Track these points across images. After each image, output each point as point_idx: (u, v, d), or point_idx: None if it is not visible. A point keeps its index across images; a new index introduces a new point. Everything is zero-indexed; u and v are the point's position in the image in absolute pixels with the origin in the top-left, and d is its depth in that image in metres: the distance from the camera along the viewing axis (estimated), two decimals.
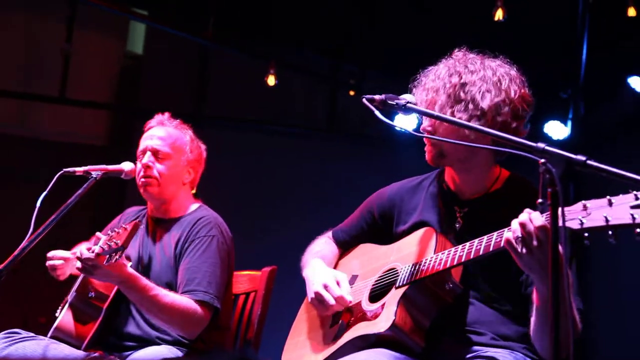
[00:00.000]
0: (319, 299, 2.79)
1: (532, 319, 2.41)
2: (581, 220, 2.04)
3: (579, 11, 5.97)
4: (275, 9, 6.87)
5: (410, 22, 6.45)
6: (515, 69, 2.67)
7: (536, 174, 2.00)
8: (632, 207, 1.96)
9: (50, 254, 3.39)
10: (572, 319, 2.28)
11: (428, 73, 2.71)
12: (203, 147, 3.59)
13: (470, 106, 2.56)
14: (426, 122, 2.67)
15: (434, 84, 2.64)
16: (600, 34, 5.97)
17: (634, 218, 1.95)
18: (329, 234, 3.14)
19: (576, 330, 2.37)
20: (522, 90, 2.63)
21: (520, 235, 2.21)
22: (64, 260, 3.36)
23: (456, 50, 2.74)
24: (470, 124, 2.48)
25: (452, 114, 2.56)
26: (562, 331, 1.97)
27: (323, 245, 3.09)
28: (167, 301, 3.13)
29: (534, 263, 2.22)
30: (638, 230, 1.94)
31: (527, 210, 2.22)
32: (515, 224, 2.23)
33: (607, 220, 1.99)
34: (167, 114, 3.56)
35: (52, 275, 3.38)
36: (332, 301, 2.75)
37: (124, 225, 3.02)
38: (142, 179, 3.39)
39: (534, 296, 2.37)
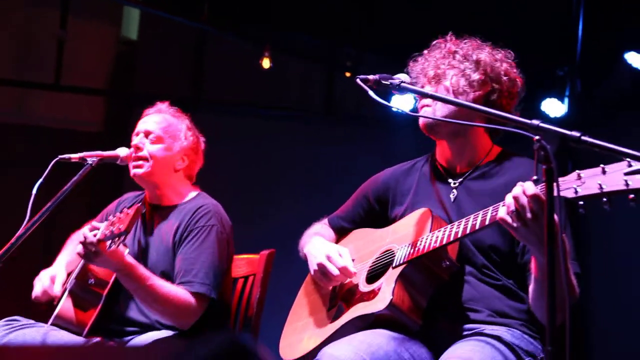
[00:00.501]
0: (322, 271, 2.79)
1: (531, 288, 2.45)
2: (576, 189, 2.06)
3: None
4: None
5: (408, 6, 6.41)
6: (502, 52, 2.77)
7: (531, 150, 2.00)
8: (626, 173, 1.98)
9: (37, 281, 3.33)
10: (570, 285, 2.31)
11: (422, 56, 2.80)
12: (202, 138, 3.56)
13: (465, 62, 2.68)
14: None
15: (429, 52, 2.76)
16: (596, 10, 5.94)
17: (627, 184, 1.97)
18: (325, 220, 3.15)
19: (573, 295, 2.40)
20: (514, 73, 2.75)
21: (514, 209, 2.22)
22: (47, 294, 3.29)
23: (444, 36, 2.82)
24: (467, 102, 2.51)
25: (446, 66, 2.68)
26: (558, 298, 1.99)
27: (322, 229, 3.10)
28: (162, 292, 3.12)
29: (530, 235, 2.23)
30: (632, 195, 1.96)
31: (519, 183, 2.24)
32: (509, 198, 2.25)
33: (601, 188, 2.01)
34: (166, 103, 3.55)
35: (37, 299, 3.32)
36: (335, 271, 2.75)
37: (126, 210, 3.01)
38: (132, 164, 3.39)
39: (532, 265, 2.39)
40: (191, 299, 3.17)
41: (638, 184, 1.96)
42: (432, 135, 2.78)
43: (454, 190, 2.73)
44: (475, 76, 2.67)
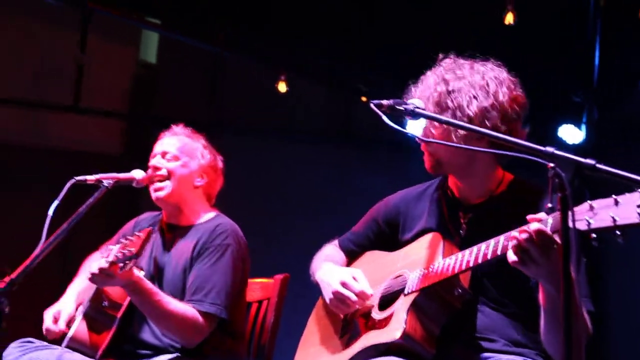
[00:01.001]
0: (339, 298, 2.75)
1: (541, 321, 2.39)
2: (588, 221, 2.02)
3: (590, 14, 5.94)
4: (289, 16, 6.88)
5: (421, 27, 6.44)
6: (505, 71, 2.66)
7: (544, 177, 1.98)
8: (639, 205, 1.94)
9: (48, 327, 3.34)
10: (582, 321, 2.27)
11: (418, 83, 2.72)
12: (219, 157, 3.58)
13: (458, 113, 2.56)
14: (422, 132, 2.66)
15: (422, 94, 2.64)
16: (613, 36, 5.94)
17: None
18: (336, 242, 3.13)
19: (587, 332, 2.36)
20: (513, 93, 2.62)
21: (523, 247, 2.19)
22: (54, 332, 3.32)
23: (443, 56, 2.74)
24: (479, 128, 2.46)
25: (441, 124, 2.57)
26: (573, 336, 1.96)
27: (332, 252, 3.09)
28: (169, 308, 3.12)
29: (541, 271, 2.21)
30: None
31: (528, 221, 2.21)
32: (514, 236, 2.21)
33: (614, 220, 1.97)
34: (180, 125, 3.58)
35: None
36: (353, 297, 2.72)
37: (137, 233, 3.03)
38: (153, 187, 3.41)
39: (540, 296, 2.35)
40: (199, 318, 3.17)
41: None
42: (440, 174, 2.75)
43: (464, 226, 2.69)
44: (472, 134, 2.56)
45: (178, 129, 3.57)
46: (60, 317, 3.33)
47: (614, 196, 1.99)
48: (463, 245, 2.57)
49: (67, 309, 3.38)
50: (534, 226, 2.16)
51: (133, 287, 3.08)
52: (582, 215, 2.03)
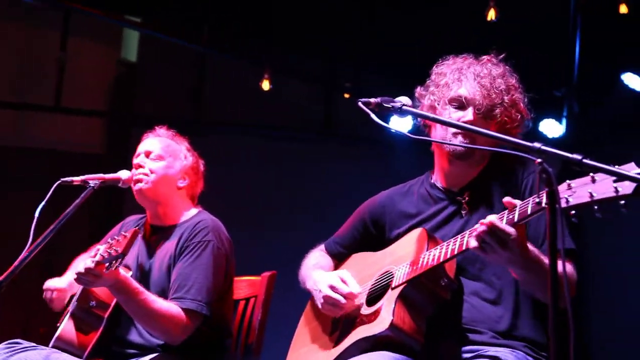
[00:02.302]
0: (329, 302, 2.79)
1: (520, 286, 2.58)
2: (567, 199, 2.08)
3: (571, 9, 5.99)
4: (270, 14, 6.88)
5: (405, 25, 6.46)
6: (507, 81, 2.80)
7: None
8: (615, 180, 2.00)
9: (46, 285, 3.40)
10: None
11: (476, 65, 2.79)
12: (201, 161, 3.59)
13: (512, 109, 2.74)
14: (468, 117, 2.71)
15: (486, 82, 2.74)
16: (593, 31, 5.99)
17: (617, 190, 1.99)
18: (322, 246, 3.16)
19: (571, 282, 2.53)
20: (518, 100, 2.79)
21: (482, 238, 2.36)
22: (57, 291, 3.37)
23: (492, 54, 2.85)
24: (472, 127, 2.51)
25: (502, 114, 2.71)
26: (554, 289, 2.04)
27: (319, 258, 3.11)
28: (153, 307, 3.13)
29: (500, 259, 2.40)
30: (622, 202, 1.99)
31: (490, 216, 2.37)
32: (478, 228, 2.37)
33: (592, 196, 2.03)
34: (164, 126, 3.59)
35: (49, 305, 3.39)
36: (342, 300, 2.76)
37: (123, 233, 3.04)
38: (134, 179, 3.41)
39: (511, 271, 2.51)
40: (182, 315, 3.17)
41: (628, 189, 1.98)
42: (461, 161, 2.77)
43: (465, 206, 2.75)
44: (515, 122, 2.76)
45: (162, 130, 3.57)
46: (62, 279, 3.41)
47: (591, 174, 2.05)
48: (469, 225, 2.61)
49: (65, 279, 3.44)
50: (491, 219, 2.34)
51: (118, 287, 3.09)
52: (562, 194, 2.10)
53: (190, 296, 3.19)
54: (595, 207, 2.03)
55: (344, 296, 2.76)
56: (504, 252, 2.35)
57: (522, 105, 2.76)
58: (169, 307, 3.16)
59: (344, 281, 2.80)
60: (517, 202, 2.36)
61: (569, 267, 2.55)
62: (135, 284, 3.14)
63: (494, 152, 2.74)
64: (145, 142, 3.52)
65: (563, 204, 2.07)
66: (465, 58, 2.81)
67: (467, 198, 2.75)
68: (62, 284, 3.41)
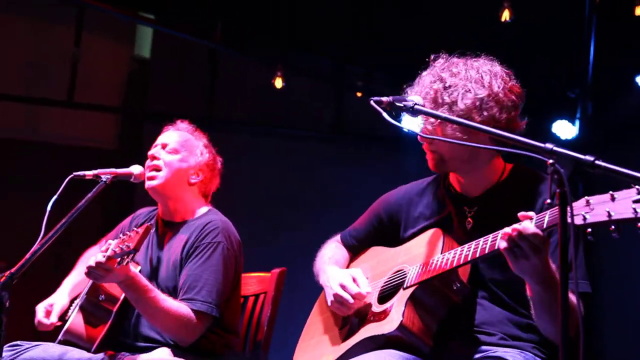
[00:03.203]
0: (338, 301, 2.78)
1: (532, 310, 2.46)
2: (584, 216, 2.05)
3: (585, 10, 5.96)
4: (282, 12, 6.89)
5: (416, 23, 6.46)
6: (498, 64, 2.69)
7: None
8: (635, 201, 1.97)
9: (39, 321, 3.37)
10: (572, 306, 2.28)
11: (414, 84, 2.73)
12: (219, 159, 3.57)
13: (454, 107, 2.58)
14: (424, 127, 2.67)
15: (418, 94, 2.66)
16: (608, 33, 5.96)
17: (636, 212, 1.96)
18: (338, 237, 3.15)
19: (579, 314, 2.40)
20: (509, 83, 2.65)
21: (515, 242, 2.26)
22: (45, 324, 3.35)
23: (435, 56, 2.75)
24: (478, 125, 2.48)
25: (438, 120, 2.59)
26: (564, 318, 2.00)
27: (335, 250, 3.09)
28: (163, 305, 3.12)
29: (529, 268, 2.29)
30: None
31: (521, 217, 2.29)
32: (507, 231, 2.28)
33: (609, 215, 2.00)
34: (185, 121, 3.59)
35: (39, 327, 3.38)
36: (350, 300, 2.75)
37: (135, 229, 3.02)
38: (147, 175, 3.41)
39: (527, 290, 2.41)
40: (192, 316, 3.17)
41: None
42: (444, 172, 2.76)
43: (470, 219, 2.72)
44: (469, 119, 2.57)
45: (183, 124, 3.57)
46: (52, 310, 3.35)
47: (610, 192, 2.01)
48: (471, 238, 2.59)
49: (59, 302, 3.40)
50: (528, 229, 2.24)
51: (129, 284, 3.08)
52: (579, 211, 2.07)
53: (201, 297, 3.19)
54: (612, 227, 2.00)
55: (353, 296, 2.76)
56: (535, 258, 2.25)
57: (465, 98, 2.59)
58: (179, 307, 3.16)
59: (355, 280, 2.80)
60: (532, 214, 2.30)
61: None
62: (145, 282, 3.13)
63: (514, 169, 2.72)
64: (164, 135, 3.52)
65: (580, 221, 2.05)
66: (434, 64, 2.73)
67: (473, 212, 2.71)
68: (49, 302, 3.40)
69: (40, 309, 3.36)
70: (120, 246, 2.97)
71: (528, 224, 2.25)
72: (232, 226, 3.43)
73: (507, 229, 2.28)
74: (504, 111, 2.60)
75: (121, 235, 3.05)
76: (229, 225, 3.41)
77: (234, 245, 3.36)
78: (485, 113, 2.57)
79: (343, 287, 2.78)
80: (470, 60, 2.68)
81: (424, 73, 2.72)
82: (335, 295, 2.79)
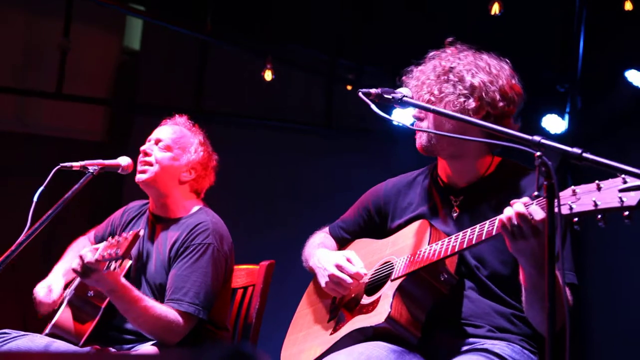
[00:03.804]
0: (334, 281, 2.77)
1: (523, 298, 2.46)
2: (571, 206, 2.06)
3: (575, 4, 5.97)
4: (273, 4, 6.86)
5: (407, 17, 6.45)
6: (506, 62, 2.73)
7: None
8: (621, 190, 1.98)
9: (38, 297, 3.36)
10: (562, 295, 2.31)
11: (415, 68, 2.75)
12: (214, 156, 3.54)
13: (459, 85, 2.62)
14: (416, 111, 2.69)
15: (424, 69, 2.70)
16: (597, 28, 5.97)
17: (622, 201, 1.97)
18: (326, 229, 3.15)
19: (567, 304, 2.41)
20: (512, 81, 2.69)
21: (516, 223, 2.25)
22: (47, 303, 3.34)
23: (449, 42, 2.77)
24: (468, 117, 2.49)
25: (441, 92, 2.61)
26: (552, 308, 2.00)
27: (323, 239, 3.10)
28: (153, 313, 3.11)
29: (527, 249, 2.28)
30: (626, 213, 1.96)
31: (522, 200, 2.27)
32: (511, 210, 2.27)
33: (595, 205, 2.02)
34: (184, 116, 3.56)
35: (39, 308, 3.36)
36: (348, 279, 2.75)
37: (125, 235, 2.98)
38: (138, 169, 3.39)
39: (521, 276, 2.41)
40: (179, 318, 3.16)
41: (632, 201, 1.96)
42: (431, 155, 2.78)
43: (456, 208, 2.72)
44: (470, 104, 2.61)
45: (180, 119, 3.54)
46: (52, 289, 3.33)
47: (597, 182, 2.02)
48: (456, 228, 2.60)
49: (57, 283, 3.38)
50: (536, 213, 2.23)
51: (120, 295, 3.07)
52: (566, 200, 2.08)
53: (188, 299, 3.17)
54: (599, 216, 2.01)
55: (351, 276, 2.75)
56: (534, 239, 2.25)
57: (474, 77, 2.62)
58: (167, 312, 3.15)
59: (350, 261, 2.79)
60: (525, 199, 2.30)
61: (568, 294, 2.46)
62: (137, 292, 3.11)
63: (502, 163, 2.74)
64: (159, 129, 3.50)
65: (566, 211, 2.05)
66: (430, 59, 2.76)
67: (459, 202, 2.72)
68: (47, 283, 3.38)
69: (41, 290, 3.33)
70: (109, 251, 2.95)
71: (533, 207, 2.25)
72: (224, 226, 3.40)
73: (505, 213, 2.28)
74: (504, 99, 2.64)
75: (110, 239, 3.03)
76: (220, 225, 3.38)
77: (224, 246, 3.34)
78: (488, 95, 2.61)
79: (339, 267, 2.78)
80: (479, 53, 2.73)
81: (428, 59, 2.74)
82: (331, 276, 2.78)
